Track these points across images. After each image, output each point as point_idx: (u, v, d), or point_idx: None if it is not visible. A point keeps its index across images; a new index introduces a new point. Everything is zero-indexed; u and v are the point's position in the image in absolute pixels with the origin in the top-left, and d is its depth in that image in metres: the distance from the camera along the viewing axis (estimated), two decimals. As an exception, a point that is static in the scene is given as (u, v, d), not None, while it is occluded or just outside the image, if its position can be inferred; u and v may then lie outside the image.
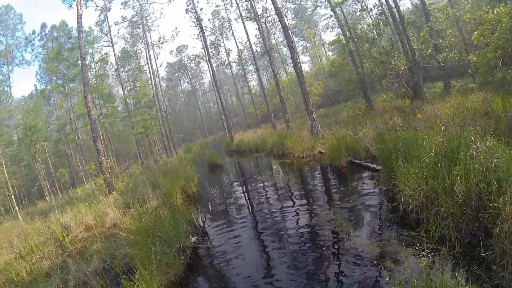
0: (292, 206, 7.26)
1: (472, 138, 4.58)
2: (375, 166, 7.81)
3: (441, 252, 3.68)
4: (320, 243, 5.02)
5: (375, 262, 3.99)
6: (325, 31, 53.34)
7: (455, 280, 2.95)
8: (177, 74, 65.93)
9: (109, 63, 34.60)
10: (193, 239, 6.22)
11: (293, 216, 6.56)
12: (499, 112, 7.51)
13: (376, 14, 20.72)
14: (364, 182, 7.45)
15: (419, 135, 5.79)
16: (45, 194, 26.16)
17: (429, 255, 3.78)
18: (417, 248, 4.00)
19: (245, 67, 43.27)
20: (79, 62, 19.66)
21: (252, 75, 52.30)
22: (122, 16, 48.32)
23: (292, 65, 17.38)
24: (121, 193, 12.73)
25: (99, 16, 31.50)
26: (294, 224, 6.06)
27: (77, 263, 5.96)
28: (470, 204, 3.86)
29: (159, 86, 40.31)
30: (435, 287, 2.86)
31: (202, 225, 7.17)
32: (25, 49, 30.61)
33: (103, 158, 14.57)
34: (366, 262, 4.08)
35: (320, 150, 12.11)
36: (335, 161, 9.47)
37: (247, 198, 9.51)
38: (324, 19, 46.63)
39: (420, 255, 3.82)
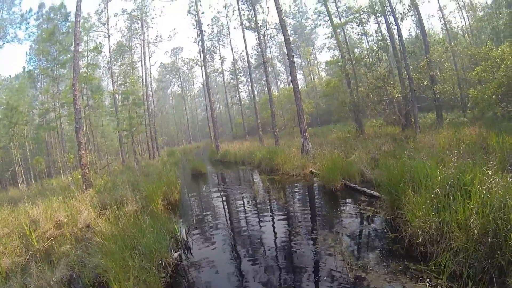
0: (286, 227, 6.72)
1: (489, 172, 4.41)
2: (372, 192, 7.48)
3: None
4: (319, 271, 4.55)
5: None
6: (321, 51, 54.21)
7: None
8: (168, 76, 65.57)
9: (102, 54, 33.75)
10: (176, 254, 5.49)
11: (287, 238, 6.05)
12: (494, 147, 7.58)
13: (376, 40, 20.83)
14: (361, 208, 7.02)
15: (428, 164, 5.49)
16: (18, 181, 24.88)
17: (442, 294, 3.43)
18: (427, 284, 3.67)
19: (238, 77, 43.11)
20: (71, 47, 18.95)
21: (243, 86, 52.26)
22: (122, 8, 48.23)
23: (284, 81, 17.17)
24: (98, 191, 12.03)
25: (100, 4, 31.42)
26: (287, 248, 5.56)
27: (41, 267, 5.23)
28: (486, 240, 3.61)
29: (150, 85, 39.63)
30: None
31: (185, 238, 6.43)
32: (19, 27, 29.16)
33: (83, 152, 13.82)
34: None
35: (311, 169, 11.78)
36: (329, 183, 9.08)
37: (235, 215, 8.64)
38: (325, 38, 46.82)
39: (432, 293, 3.46)
